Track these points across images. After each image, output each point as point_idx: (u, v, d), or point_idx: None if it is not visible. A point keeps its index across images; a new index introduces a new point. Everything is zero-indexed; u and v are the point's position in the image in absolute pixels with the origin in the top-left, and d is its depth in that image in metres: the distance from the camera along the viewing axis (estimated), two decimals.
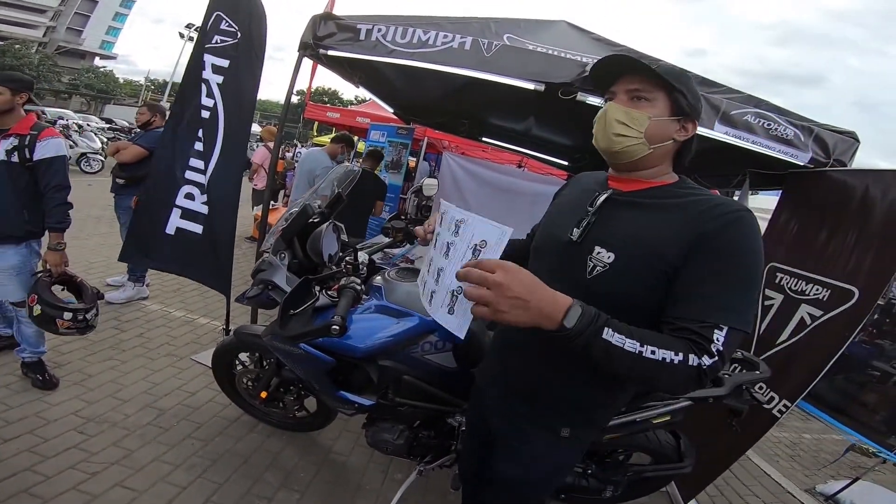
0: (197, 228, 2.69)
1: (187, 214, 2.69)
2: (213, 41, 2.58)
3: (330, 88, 51.79)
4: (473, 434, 1.47)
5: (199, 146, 2.66)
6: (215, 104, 2.60)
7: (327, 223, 1.49)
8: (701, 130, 2.16)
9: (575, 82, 2.18)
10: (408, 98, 4.41)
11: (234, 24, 2.57)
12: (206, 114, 2.60)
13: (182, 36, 38.30)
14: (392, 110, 4.95)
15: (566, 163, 5.25)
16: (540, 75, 2.25)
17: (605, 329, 0.83)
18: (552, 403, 1.12)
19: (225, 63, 2.58)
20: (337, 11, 2.57)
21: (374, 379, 1.66)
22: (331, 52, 2.53)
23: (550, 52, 2.29)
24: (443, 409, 1.77)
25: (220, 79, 2.59)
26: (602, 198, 1.04)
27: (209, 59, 2.58)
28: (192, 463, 2.06)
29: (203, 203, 2.68)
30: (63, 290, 2.41)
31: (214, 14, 2.58)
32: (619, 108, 1.00)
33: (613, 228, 1.00)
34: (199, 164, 2.66)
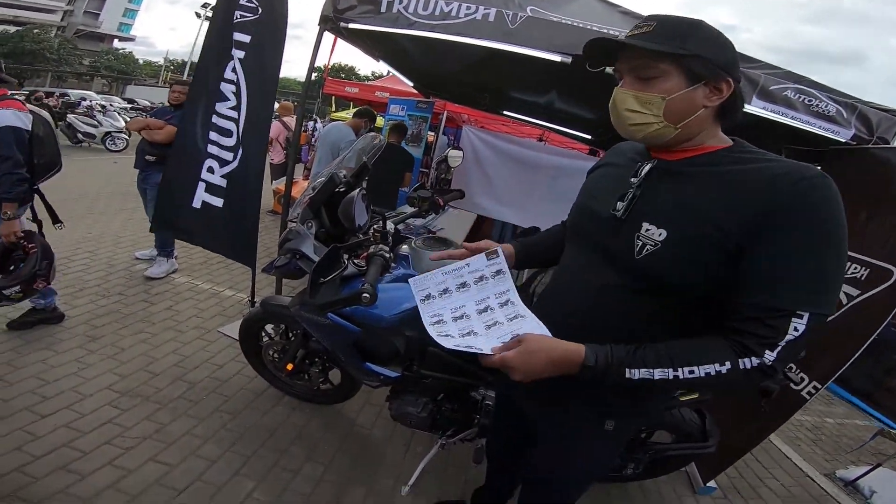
0: (218, 202, 2.72)
1: (210, 188, 2.73)
2: (234, 17, 2.55)
3: (347, 65, 51.32)
4: (504, 416, 1.44)
5: (219, 121, 2.67)
6: (238, 79, 2.59)
7: (358, 189, 1.47)
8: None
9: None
10: (428, 72, 4.34)
11: (253, 0, 2.53)
12: (230, 88, 2.60)
13: (198, 16, 38.28)
14: (412, 84, 4.88)
15: (589, 137, 5.12)
16: (567, 47, 2.18)
17: (627, 370, 0.82)
18: (597, 394, 1.03)
19: (246, 38, 2.55)
20: None
21: (401, 350, 1.67)
22: (351, 26, 2.47)
23: (577, 24, 2.20)
24: (467, 381, 1.78)
25: (241, 54, 2.57)
26: (646, 168, 0.93)
27: (240, 37, 2.56)
28: (221, 436, 2.12)
29: (222, 176, 2.70)
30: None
31: None
32: (626, 94, 0.89)
33: (662, 202, 0.88)
34: (220, 138, 2.67)
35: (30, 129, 2.39)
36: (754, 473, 2.75)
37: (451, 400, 1.87)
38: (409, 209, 1.87)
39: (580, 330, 0.93)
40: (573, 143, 5.99)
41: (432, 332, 0.94)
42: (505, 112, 5.25)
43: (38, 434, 1.92)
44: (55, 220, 2.72)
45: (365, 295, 1.11)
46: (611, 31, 2.11)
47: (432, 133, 6.33)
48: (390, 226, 1.73)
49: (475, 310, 1.00)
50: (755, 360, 0.76)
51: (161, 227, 2.96)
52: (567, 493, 1.27)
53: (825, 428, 3.86)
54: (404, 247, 1.75)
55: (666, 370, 0.79)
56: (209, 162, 2.71)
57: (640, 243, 0.88)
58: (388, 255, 1.30)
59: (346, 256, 1.49)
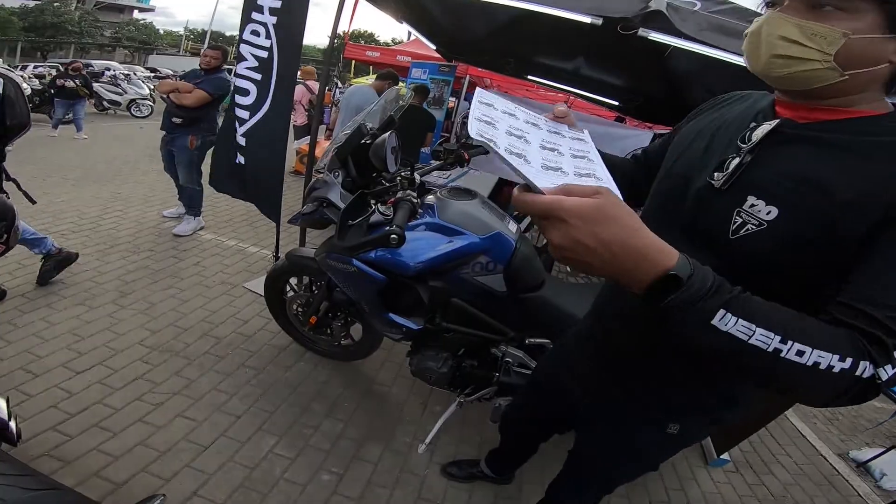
0: (241, 159, 2.79)
1: (239, 147, 2.80)
2: None
3: (366, 31, 50.52)
4: (540, 393, 1.34)
5: (239, 81, 2.70)
6: (271, 45, 2.60)
7: (390, 132, 1.46)
8: None
9: (636, 18, 2.02)
10: (452, 35, 4.25)
11: None
12: (263, 53, 2.62)
13: None
14: (435, 48, 4.79)
15: (616, 103, 4.99)
16: (597, 9, 2.10)
17: (722, 311, 0.56)
18: (664, 395, 0.89)
19: (278, 4, 2.54)
20: None
21: (424, 299, 1.68)
22: None
23: None
24: (489, 336, 1.79)
25: (274, 20, 2.57)
26: (765, 129, 0.73)
27: (264, 2, 2.55)
28: (246, 392, 2.18)
29: (241, 135, 2.75)
30: None
31: None
32: (786, 20, 0.66)
33: (778, 173, 0.70)
34: (239, 98, 2.71)
35: (1, 92, 2.37)
36: (768, 449, 2.73)
37: (471, 356, 1.89)
38: (435, 163, 1.86)
39: (636, 324, 0.84)
40: (599, 109, 5.85)
41: (473, 127, 0.64)
42: (530, 77, 5.12)
43: (72, 391, 1.99)
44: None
45: (393, 236, 1.09)
46: None
47: (453, 99, 6.24)
48: (416, 176, 1.72)
49: (538, 143, 0.71)
50: (872, 369, 0.57)
51: (216, 185, 3.04)
52: (611, 484, 1.20)
53: (842, 407, 3.81)
54: (430, 197, 1.74)
55: (770, 335, 0.56)
56: (242, 124, 2.76)
57: (740, 221, 0.72)
58: (415, 200, 1.29)
59: (373, 202, 1.49)
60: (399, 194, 1.31)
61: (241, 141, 2.75)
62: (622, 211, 0.54)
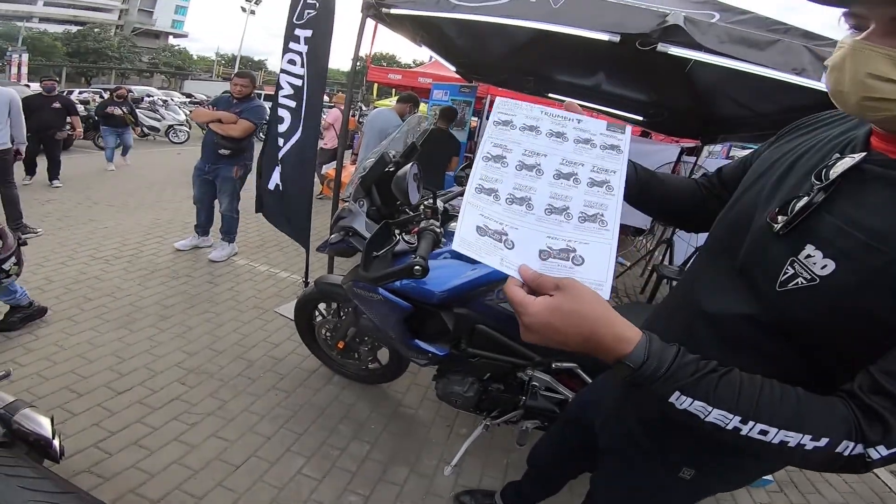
0: (279, 185, 2.92)
1: (276, 172, 2.93)
2: (303, 15, 2.66)
3: (388, 53, 51.57)
4: (567, 429, 1.32)
5: (281, 112, 2.82)
6: (304, 73, 2.71)
7: (410, 164, 1.50)
8: (807, 82, 1.94)
9: (654, 33, 2.02)
10: (471, 56, 4.31)
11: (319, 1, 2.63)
12: (298, 82, 2.73)
13: (244, 10, 39.73)
14: (454, 69, 4.87)
15: (640, 118, 4.93)
16: (615, 26, 2.10)
17: (677, 393, 0.58)
18: (681, 439, 0.82)
19: (309, 33, 2.66)
20: None
21: (449, 326, 1.69)
22: (393, 11, 2.50)
23: (624, 1, 2.12)
24: (514, 361, 1.78)
25: (306, 48, 2.68)
26: (845, 165, 0.61)
27: (300, 32, 2.67)
28: (276, 414, 2.24)
29: (279, 162, 2.87)
30: None
31: None
32: (874, 51, 0.53)
33: (851, 221, 0.58)
34: (280, 127, 2.83)
35: None
36: None
37: (497, 380, 1.88)
38: (457, 188, 1.89)
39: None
40: (623, 124, 5.78)
41: (467, 215, 0.66)
42: (550, 95, 5.14)
43: (113, 410, 2.09)
44: None
45: (417, 267, 1.11)
46: (661, 8, 2.02)
47: (476, 119, 6.30)
48: (440, 204, 1.75)
49: (552, 170, 0.69)
50: (860, 448, 0.54)
51: (262, 210, 3.17)
52: None
53: None
54: (453, 224, 1.76)
55: (728, 416, 0.56)
56: (279, 150, 2.88)
57: (791, 272, 0.62)
58: (439, 230, 1.30)
59: (397, 232, 1.53)
60: (422, 224, 1.33)
61: (278, 167, 2.88)
62: (581, 304, 0.58)
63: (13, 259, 2.29)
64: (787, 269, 0.62)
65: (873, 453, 0.54)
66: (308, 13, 2.63)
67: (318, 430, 2.19)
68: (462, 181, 1.77)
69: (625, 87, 4.17)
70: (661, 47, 2.11)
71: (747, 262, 0.70)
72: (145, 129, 11.20)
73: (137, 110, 11.26)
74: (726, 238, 0.77)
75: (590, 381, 1.70)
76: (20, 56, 18.84)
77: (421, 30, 3.32)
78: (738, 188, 0.82)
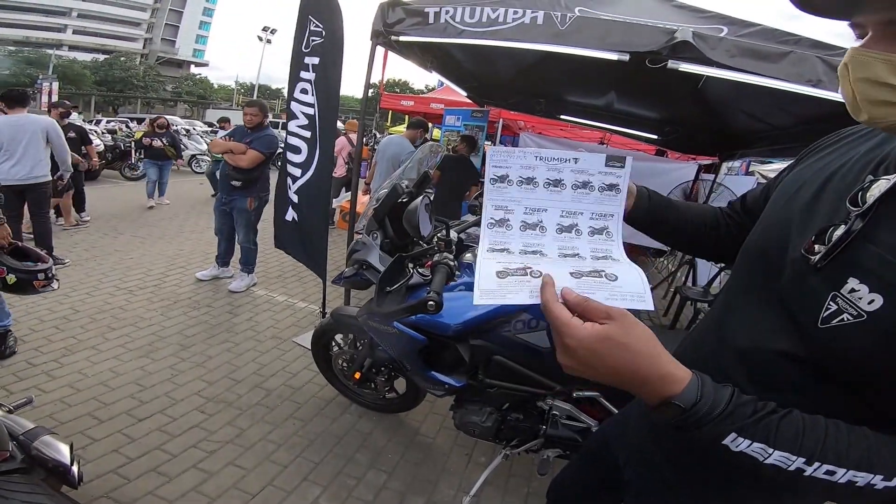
0: (294, 216, 2.94)
1: (291, 203, 2.96)
2: (308, 43, 2.73)
3: (401, 80, 52.69)
4: (590, 461, 1.26)
5: (290, 139, 2.86)
6: (314, 102, 2.77)
7: (422, 197, 1.50)
8: (825, 94, 1.91)
9: (663, 50, 2.01)
10: (481, 80, 4.38)
11: (320, 24, 2.70)
12: (310, 111, 2.78)
13: (260, 39, 41.19)
14: (465, 94, 4.94)
15: (655, 136, 4.90)
16: (623, 45, 2.11)
17: (734, 435, 0.54)
18: (714, 478, 0.78)
19: (316, 60, 2.71)
20: None
21: (466, 358, 1.67)
22: (402, 38, 2.56)
23: (630, 20, 2.13)
24: (534, 391, 1.74)
25: (313, 76, 2.74)
26: (882, 187, 0.56)
27: (308, 60, 2.74)
28: (293, 442, 2.23)
29: (294, 192, 2.90)
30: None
31: (307, 18, 2.72)
32: (873, 58, 0.52)
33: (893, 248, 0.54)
34: (292, 156, 2.87)
35: None
36: None
37: (516, 409, 1.85)
38: (471, 218, 1.89)
39: None
40: (638, 143, 5.75)
41: (483, 267, 0.65)
42: (562, 116, 5.17)
43: (134, 437, 2.12)
44: None
45: (430, 303, 1.09)
46: (668, 25, 2.03)
47: (489, 143, 6.36)
48: (454, 235, 1.73)
49: (555, 223, 0.71)
50: None
51: (280, 244, 3.21)
52: None
53: None
54: (468, 255, 1.76)
55: (791, 458, 0.53)
56: (295, 181, 2.92)
57: (834, 308, 0.57)
58: (452, 263, 1.29)
59: (411, 265, 1.52)
60: (436, 257, 1.32)
61: (294, 198, 2.91)
62: (634, 339, 0.55)
63: (51, 264, 2.33)
64: (829, 304, 0.57)
65: None
66: (314, 41, 2.69)
67: (334, 458, 2.17)
68: (475, 209, 1.77)
69: (637, 105, 4.16)
70: (671, 64, 2.11)
71: (784, 295, 0.64)
72: (185, 162, 10.91)
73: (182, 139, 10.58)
74: (757, 267, 0.72)
75: (614, 409, 1.65)
76: (50, 84, 18.60)
77: (430, 55, 3.39)
78: (767, 209, 0.77)
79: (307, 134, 2.81)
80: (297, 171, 2.87)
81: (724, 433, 0.55)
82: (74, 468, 1.29)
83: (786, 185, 0.76)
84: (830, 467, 0.53)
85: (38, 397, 2.24)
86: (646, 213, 0.91)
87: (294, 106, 2.82)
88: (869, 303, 0.53)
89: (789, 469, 0.54)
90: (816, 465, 0.53)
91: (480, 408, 1.83)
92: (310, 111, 2.78)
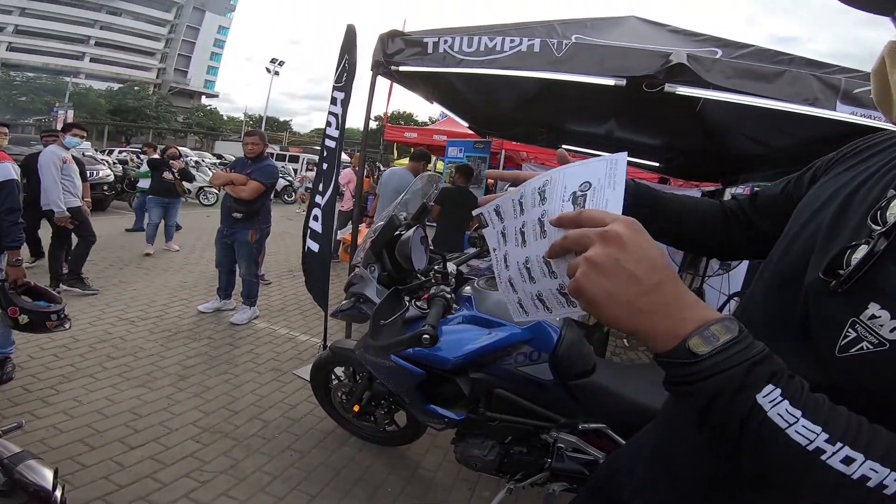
0: (315, 247, 2.96)
1: (313, 235, 2.97)
2: (340, 78, 2.81)
3: (405, 112, 53.79)
4: (599, 492, 1.16)
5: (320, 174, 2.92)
6: (340, 134, 2.82)
7: (414, 228, 1.50)
8: (823, 112, 1.92)
9: (659, 74, 2.04)
10: (482, 110, 4.45)
11: (349, 62, 2.78)
12: (332, 144, 2.84)
13: (269, 71, 42.39)
14: (467, 125, 5.02)
15: (657, 164, 4.94)
16: (619, 70, 2.14)
17: (768, 386, 0.46)
18: None
19: (342, 95, 2.79)
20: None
21: (465, 392, 1.63)
22: (402, 68, 2.63)
23: (626, 45, 2.18)
24: (537, 424, 1.70)
25: (340, 110, 2.80)
26: None
27: (337, 94, 2.81)
28: (290, 474, 2.17)
29: (318, 223, 2.94)
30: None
31: (343, 55, 2.79)
32: None
33: None
34: (320, 186, 2.92)
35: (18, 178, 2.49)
36: None
37: (520, 442, 1.79)
38: (471, 250, 1.87)
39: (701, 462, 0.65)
40: (641, 172, 5.80)
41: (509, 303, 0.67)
42: (564, 146, 5.24)
43: (125, 464, 2.07)
44: None
45: (425, 336, 1.08)
46: (664, 49, 2.06)
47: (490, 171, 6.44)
48: (452, 267, 1.73)
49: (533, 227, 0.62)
50: None
51: (307, 275, 3.20)
52: None
53: None
54: (467, 288, 1.74)
55: (816, 429, 0.45)
56: (315, 211, 2.97)
57: (853, 335, 0.52)
58: (449, 296, 1.28)
59: (407, 298, 1.51)
60: (432, 290, 1.31)
61: (317, 228, 2.93)
62: (653, 246, 0.49)
63: (64, 305, 2.48)
64: (847, 331, 0.52)
65: None
66: (344, 77, 2.76)
67: (331, 491, 2.10)
68: (475, 242, 1.77)
69: (637, 132, 4.21)
70: (668, 87, 2.13)
71: (801, 320, 0.59)
72: (192, 192, 10.56)
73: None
74: (775, 290, 0.67)
75: (621, 441, 1.59)
76: (66, 112, 19.05)
77: (431, 86, 3.46)
78: (790, 226, 0.70)
79: (324, 166, 2.87)
80: (319, 199, 2.92)
81: (759, 384, 0.46)
82: (58, 493, 1.26)
83: (810, 199, 0.70)
84: (850, 453, 0.44)
85: (31, 423, 2.21)
86: (632, 197, 0.83)
87: (326, 140, 2.89)
88: (891, 330, 0.48)
89: (808, 449, 0.45)
90: (839, 446, 0.45)
91: (483, 441, 1.78)
92: (331, 144, 2.84)
